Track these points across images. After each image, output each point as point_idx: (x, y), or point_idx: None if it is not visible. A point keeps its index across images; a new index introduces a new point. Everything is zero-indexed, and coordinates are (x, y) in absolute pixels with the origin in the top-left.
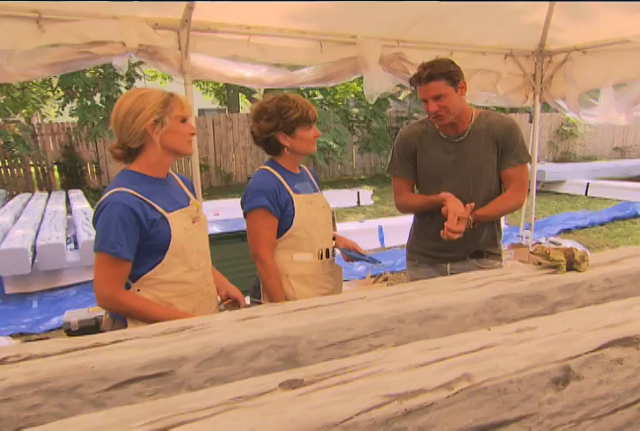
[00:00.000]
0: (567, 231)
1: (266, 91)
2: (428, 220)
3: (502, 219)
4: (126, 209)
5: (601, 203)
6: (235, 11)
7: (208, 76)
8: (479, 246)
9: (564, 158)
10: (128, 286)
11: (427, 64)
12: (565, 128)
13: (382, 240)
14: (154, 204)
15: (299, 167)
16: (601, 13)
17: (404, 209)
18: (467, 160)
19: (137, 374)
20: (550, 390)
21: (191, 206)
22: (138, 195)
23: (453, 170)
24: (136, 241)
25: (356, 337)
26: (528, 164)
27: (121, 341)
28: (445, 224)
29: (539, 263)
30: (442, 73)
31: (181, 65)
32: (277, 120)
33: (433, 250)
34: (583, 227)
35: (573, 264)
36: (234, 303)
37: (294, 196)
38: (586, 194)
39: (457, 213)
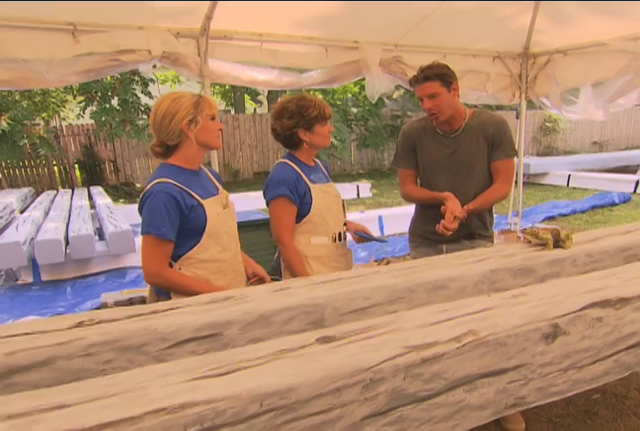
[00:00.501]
0: (551, 218)
1: (269, 93)
2: (428, 209)
3: (493, 207)
4: (168, 197)
5: (582, 193)
6: (248, 20)
7: (224, 80)
8: (471, 229)
9: (547, 152)
10: (170, 266)
11: (424, 67)
12: (548, 125)
13: (382, 228)
14: (191, 192)
15: (313, 160)
16: (581, 18)
17: (407, 199)
18: (461, 153)
19: (191, 335)
20: (541, 343)
21: (220, 195)
22: (178, 184)
23: (448, 162)
24: (177, 225)
25: (373, 304)
26: (515, 158)
27: (175, 309)
28: (442, 221)
29: (529, 242)
30: (436, 74)
31: (200, 69)
32: (298, 118)
33: (431, 233)
34: (566, 215)
35: (559, 242)
36: (260, 281)
37: (311, 186)
38: (568, 185)
39: (454, 212)
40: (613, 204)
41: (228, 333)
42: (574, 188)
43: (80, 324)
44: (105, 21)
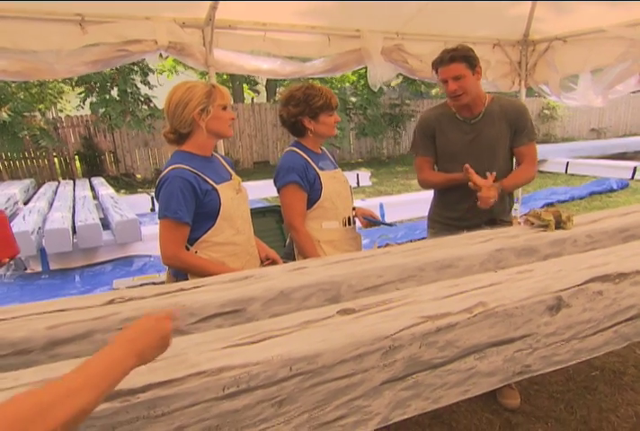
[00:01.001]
0: (550, 204)
1: (268, 82)
2: (448, 194)
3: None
4: (184, 181)
5: (580, 179)
6: (252, 9)
7: (229, 69)
8: (493, 214)
9: (546, 139)
10: (187, 249)
11: (450, 49)
12: (546, 112)
13: (383, 216)
14: (205, 177)
15: (320, 148)
16: (579, 6)
17: (425, 185)
18: (483, 139)
19: (217, 311)
20: (546, 315)
21: (233, 180)
22: (192, 170)
23: (470, 148)
24: (193, 209)
25: (386, 282)
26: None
27: (200, 287)
28: (479, 194)
29: (532, 223)
30: (463, 56)
31: (205, 59)
32: (304, 106)
33: (452, 219)
34: (564, 201)
35: (560, 223)
36: (273, 264)
37: (320, 172)
38: (566, 172)
39: (487, 184)
40: (611, 190)
41: (251, 309)
42: (573, 174)
43: (112, 301)
44: (112, 12)
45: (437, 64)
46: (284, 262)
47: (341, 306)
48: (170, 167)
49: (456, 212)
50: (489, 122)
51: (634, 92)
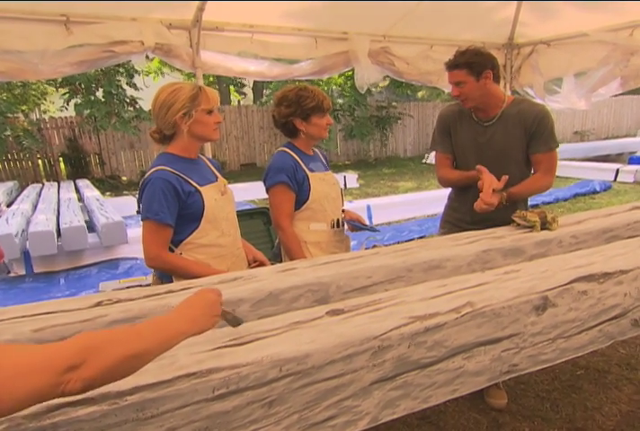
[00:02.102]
0: (535, 206)
1: (254, 85)
2: (461, 194)
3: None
4: (166, 183)
5: (564, 181)
6: (239, 11)
7: (216, 71)
8: (505, 222)
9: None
10: (172, 251)
11: (459, 52)
12: None
13: (370, 218)
14: (188, 179)
15: (312, 150)
16: (563, 10)
17: (443, 183)
18: (495, 143)
19: None
20: (532, 314)
21: (219, 182)
22: (175, 171)
23: (481, 152)
24: (176, 210)
25: (375, 283)
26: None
27: (188, 289)
28: (480, 195)
29: (518, 224)
30: (465, 62)
31: (192, 61)
32: (295, 107)
33: (464, 222)
34: (549, 203)
35: (545, 224)
36: (260, 266)
37: (309, 174)
38: None
39: (492, 184)
40: (594, 192)
41: (240, 310)
42: (557, 176)
43: (99, 304)
44: (98, 13)
45: (446, 67)
46: (272, 264)
47: (329, 307)
48: (153, 169)
49: (468, 216)
50: (503, 126)
51: (616, 96)
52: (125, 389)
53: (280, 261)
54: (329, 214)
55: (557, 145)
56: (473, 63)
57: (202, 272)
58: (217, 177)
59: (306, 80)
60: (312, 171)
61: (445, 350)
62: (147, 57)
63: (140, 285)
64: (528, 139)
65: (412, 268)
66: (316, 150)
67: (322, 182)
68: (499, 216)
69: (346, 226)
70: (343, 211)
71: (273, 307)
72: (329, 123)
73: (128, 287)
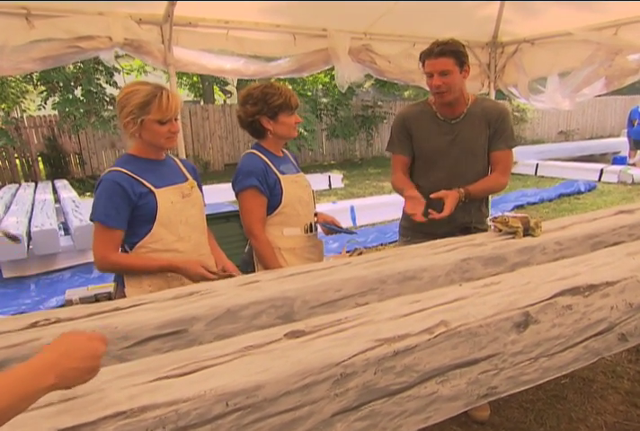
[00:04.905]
0: (520, 207)
1: (238, 83)
2: None
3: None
4: (113, 184)
5: (549, 181)
6: (213, 6)
7: (190, 68)
8: (467, 223)
9: (516, 141)
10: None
11: (441, 41)
12: (516, 114)
13: (354, 219)
14: (142, 180)
15: (282, 151)
16: (547, 9)
17: (393, 188)
18: (462, 141)
19: (154, 333)
20: (513, 332)
21: (184, 184)
22: (128, 173)
23: (448, 150)
24: (126, 212)
25: (345, 296)
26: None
27: (138, 305)
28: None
29: (500, 230)
30: (453, 51)
31: (164, 57)
32: (261, 105)
33: (425, 226)
34: (534, 203)
35: (528, 230)
36: (229, 277)
37: (280, 176)
38: (536, 173)
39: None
40: (579, 192)
41: (194, 329)
42: (542, 176)
43: (35, 324)
44: (61, 7)
45: (425, 55)
46: (246, 272)
47: (290, 327)
48: (106, 170)
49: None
50: (470, 124)
51: (599, 96)
52: None
53: (253, 270)
54: (302, 218)
55: (515, 145)
56: (460, 53)
57: (145, 265)
58: (186, 179)
59: (289, 79)
60: (283, 173)
61: (416, 375)
62: (117, 54)
63: (109, 293)
64: (490, 136)
65: (385, 280)
66: (286, 151)
67: (294, 185)
68: (460, 218)
69: (320, 230)
70: (316, 214)
71: (231, 325)
72: (297, 121)
73: (95, 295)
